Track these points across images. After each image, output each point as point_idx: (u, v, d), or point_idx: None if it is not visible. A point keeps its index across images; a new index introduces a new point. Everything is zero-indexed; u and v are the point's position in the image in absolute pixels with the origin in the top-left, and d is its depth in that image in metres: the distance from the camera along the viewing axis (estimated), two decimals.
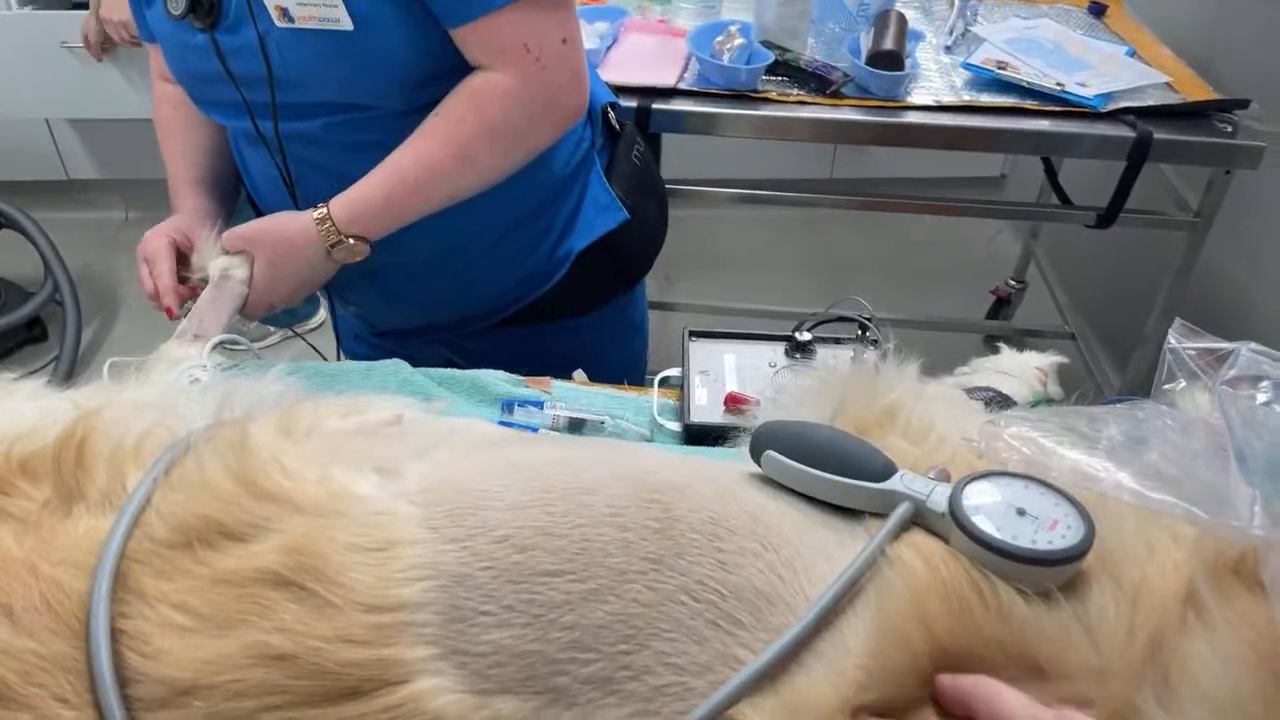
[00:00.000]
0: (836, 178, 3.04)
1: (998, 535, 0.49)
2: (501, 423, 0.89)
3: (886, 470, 0.55)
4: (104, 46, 2.37)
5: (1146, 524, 0.52)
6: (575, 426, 0.91)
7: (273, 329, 2.56)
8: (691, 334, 1.04)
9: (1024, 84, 1.64)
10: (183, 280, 1.05)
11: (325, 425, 0.61)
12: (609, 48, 1.74)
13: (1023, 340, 2.36)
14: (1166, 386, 0.61)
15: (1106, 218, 1.73)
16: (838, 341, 1.01)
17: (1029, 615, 0.48)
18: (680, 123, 1.63)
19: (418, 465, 0.56)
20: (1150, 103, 1.61)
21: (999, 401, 0.95)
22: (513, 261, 1.15)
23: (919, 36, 1.75)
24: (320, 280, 1.05)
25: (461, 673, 0.46)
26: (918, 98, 1.64)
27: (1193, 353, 0.60)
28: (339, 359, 1.35)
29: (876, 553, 0.50)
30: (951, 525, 0.51)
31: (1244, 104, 1.61)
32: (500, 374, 1.00)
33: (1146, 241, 2.07)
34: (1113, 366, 2.34)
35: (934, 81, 1.70)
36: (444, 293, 1.18)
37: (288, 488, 0.51)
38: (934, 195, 2.09)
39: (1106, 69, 1.69)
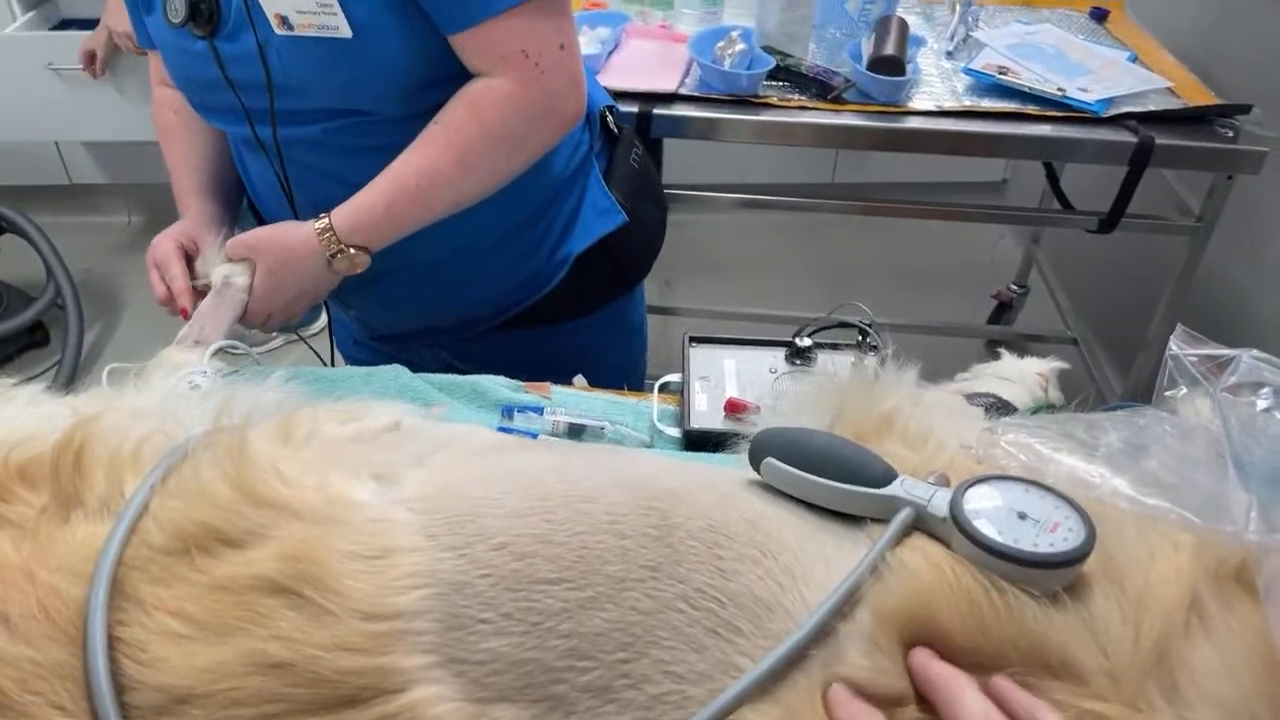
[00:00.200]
0: (838, 182, 3.04)
1: (1000, 539, 0.49)
2: (501, 428, 0.89)
3: (887, 475, 0.55)
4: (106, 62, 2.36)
5: (1146, 530, 0.52)
6: (575, 432, 0.91)
7: (275, 334, 2.56)
8: (692, 340, 1.04)
9: (1025, 89, 1.64)
10: None
11: (324, 431, 0.61)
12: (611, 53, 1.74)
13: (1025, 345, 2.36)
14: (1168, 393, 0.61)
15: (1108, 223, 1.72)
16: (837, 347, 1.01)
17: (1039, 616, 0.48)
18: (682, 128, 1.63)
19: (416, 472, 0.56)
20: (1152, 108, 1.62)
21: (999, 408, 0.95)
22: (512, 265, 1.15)
23: (920, 42, 1.75)
24: (321, 292, 1.05)
25: (459, 681, 0.45)
26: (919, 103, 1.64)
27: (1194, 359, 0.60)
28: (333, 363, 1.35)
29: (879, 558, 0.50)
30: (953, 529, 0.51)
31: (1246, 109, 1.62)
32: (500, 379, 1.00)
33: (1149, 246, 2.07)
34: (1115, 371, 2.34)
35: (935, 87, 1.70)
36: (444, 297, 1.18)
37: (286, 495, 0.51)
38: (936, 200, 2.09)
39: (1108, 74, 1.69)
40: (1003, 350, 1.08)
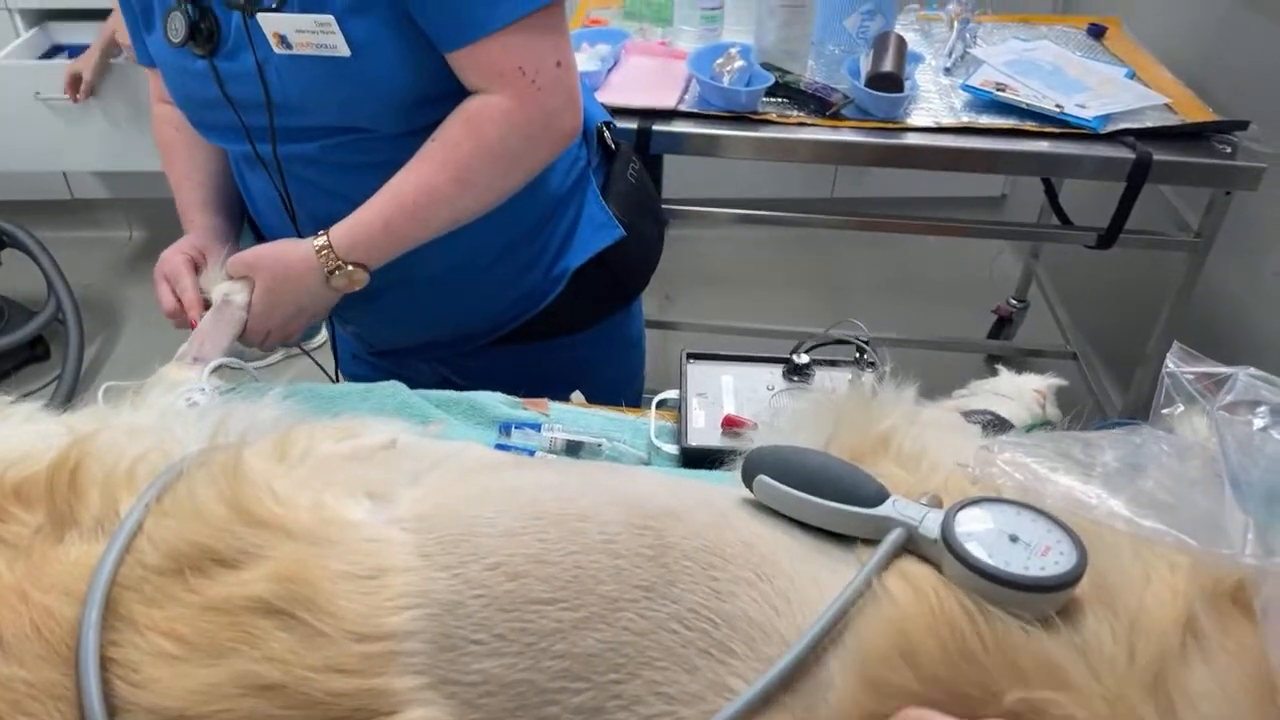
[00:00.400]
0: (837, 198, 3.05)
1: (990, 562, 0.49)
2: (499, 445, 0.89)
3: (879, 496, 0.54)
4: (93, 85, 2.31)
5: (1143, 552, 0.52)
6: (573, 449, 0.91)
7: (276, 349, 2.55)
8: (689, 356, 1.04)
9: (1023, 105, 1.64)
10: None
11: (320, 449, 0.61)
12: (610, 70, 1.75)
13: (1024, 360, 2.36)
14: (1165, 411, 0.61)
15: (1107, 238, 1.73)
16: (835, 364, 1.01)
17: (1025, 642, 0.47)
18: (681, 144, 1.63)
19: (411, 491, 0.56)
20: (1149, 124, 1.62)
21: (997, 425, 0.94)
22: (510, 280, 1.16)
23: (918, 59, 1.76)
24: (320, 310, 1.05)
25: (451, 703, 0.45)
26: (917, 119, 1.65)
27: (1191, 377, 0.60)
28: (337, 378, 1.35)
29: (867, 581, 0.50)
30: (944, 551, 0.51)
31: (1243, 125, 1.62)
32: (498, 396, 0.99)
33: (1147, 262, 2.07)
34: (1115, 386, 2.33)
35: (933, 103, 1.71)
36: (443, 312, 1.19)
37: (280, 514, 0.51)
38: (935, 215, 2.10)
39: (1105, 90, 1.70)
40: (1000, 366, 1.08)
